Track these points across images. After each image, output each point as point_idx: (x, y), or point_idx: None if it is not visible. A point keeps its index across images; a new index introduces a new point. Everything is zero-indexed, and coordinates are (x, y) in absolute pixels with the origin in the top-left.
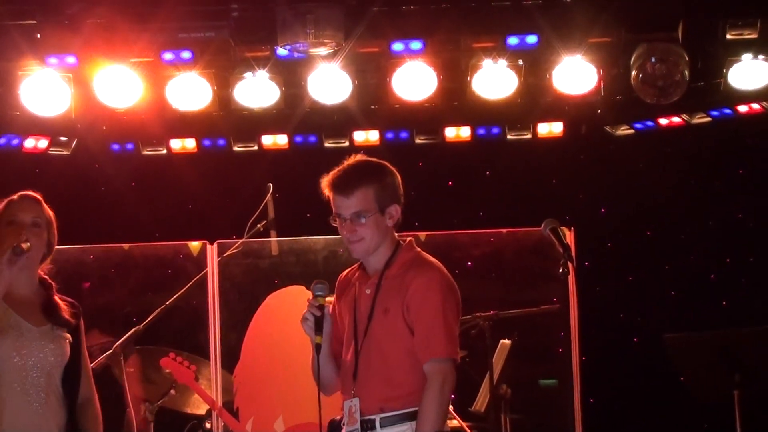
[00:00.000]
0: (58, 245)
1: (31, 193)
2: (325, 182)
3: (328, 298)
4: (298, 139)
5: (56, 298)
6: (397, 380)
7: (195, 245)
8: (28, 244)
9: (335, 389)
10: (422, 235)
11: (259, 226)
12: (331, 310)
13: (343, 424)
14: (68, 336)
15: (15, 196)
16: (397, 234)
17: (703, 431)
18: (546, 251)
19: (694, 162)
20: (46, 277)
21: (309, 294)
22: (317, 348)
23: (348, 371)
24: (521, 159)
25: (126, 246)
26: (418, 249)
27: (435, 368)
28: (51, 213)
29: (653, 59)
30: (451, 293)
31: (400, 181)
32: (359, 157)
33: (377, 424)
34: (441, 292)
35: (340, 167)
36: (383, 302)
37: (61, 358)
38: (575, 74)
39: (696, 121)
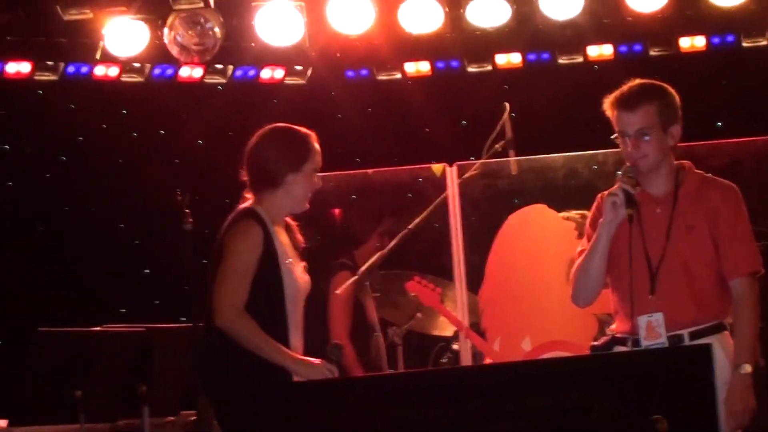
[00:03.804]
0: None
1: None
2: (609, 102)
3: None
4: (531, 56)
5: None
6: (705, 296)
7: (438, 167)
8: None
9: (593, 299)
10: None
11: (497, 146)
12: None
13: (641, 339)
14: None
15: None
16: None
17: None
18: None
19: None
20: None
21: (551, 212)
22: (630, 219)
23: (640, 288)
24: (757, 66)
25: (370, 171)
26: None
27: (748, 283)
28: None
29: None
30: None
31: (680, 103)
32: (642, 80)
33: (686, 338)
34: (745, 209)
35: (624, 87)
36: (685, 220)
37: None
38: None
39: None
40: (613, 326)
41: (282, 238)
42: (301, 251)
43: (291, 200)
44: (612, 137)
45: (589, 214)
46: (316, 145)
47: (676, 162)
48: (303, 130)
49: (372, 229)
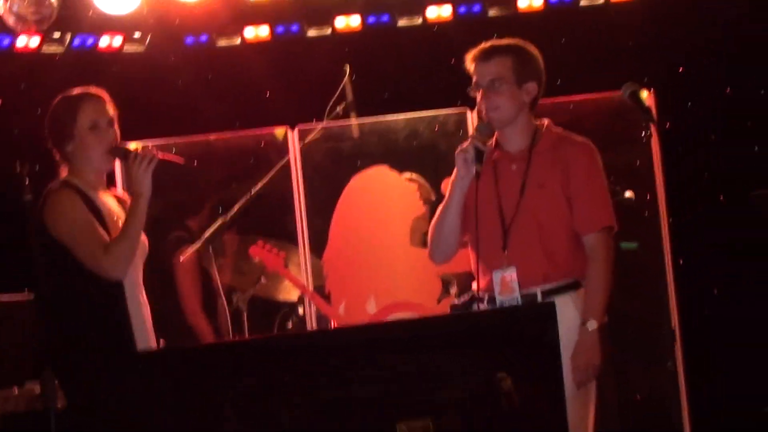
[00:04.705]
0: (140, 141)
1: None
2: (469, 56)
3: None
4: (371, 19)
5: None
6: (557, 253)
7: (280, 131)
8: None
9: (450, 256)
10: None
11: (338, 109)
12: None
13: (496, 295)
14: None
15: (87, 95)
16: None
17: None
18: (627, 115)
19: None
20: None
21: (392, 174)
22: (477, 175)
23: (492, 244)
24: (594, 24)
25: (212, 137)
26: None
27: (601, 239)
28: None
29: None
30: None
31: (542, 63)
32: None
33: (539, 296)
34: (600, 164)
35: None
36: (537, 177)
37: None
38: None
39: None
40: (474, 285)
41: (107, 200)
42: None
43: (87, 164)
44: (467, 90)
45: (417, 177)
46: (87, 100)
47: (535, 121)
48: (70, 92)
49: (207, 196)
